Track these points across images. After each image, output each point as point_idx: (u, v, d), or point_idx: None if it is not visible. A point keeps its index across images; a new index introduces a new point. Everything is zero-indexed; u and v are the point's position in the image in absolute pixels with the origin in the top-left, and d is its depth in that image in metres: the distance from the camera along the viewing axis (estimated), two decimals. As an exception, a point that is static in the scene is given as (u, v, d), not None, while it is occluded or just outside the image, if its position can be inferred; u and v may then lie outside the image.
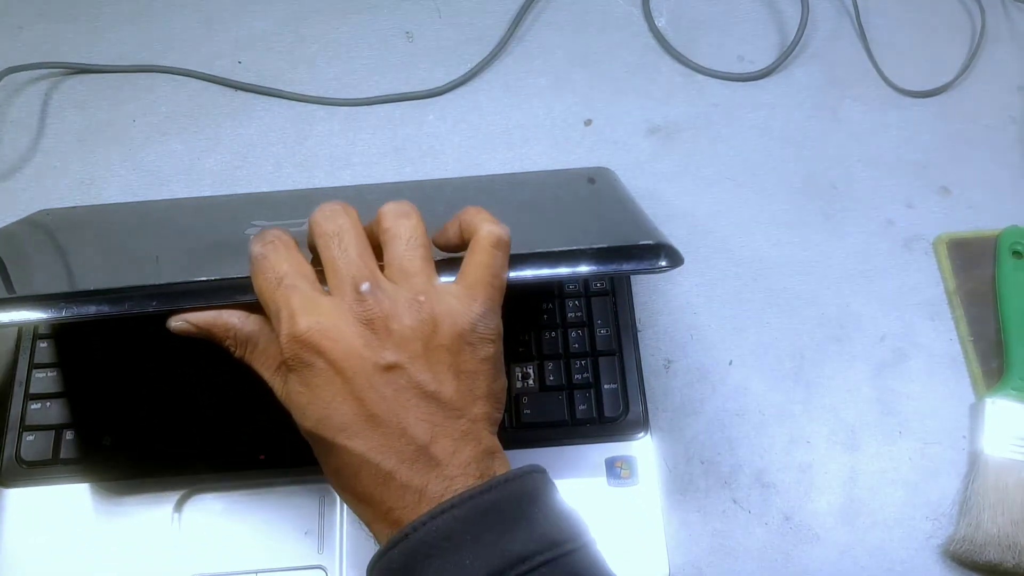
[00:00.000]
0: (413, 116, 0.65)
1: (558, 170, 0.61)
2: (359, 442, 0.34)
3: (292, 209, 0.55)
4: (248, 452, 0.51)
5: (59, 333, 0.54)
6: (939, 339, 0.57)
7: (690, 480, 0.53)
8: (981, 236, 0.59)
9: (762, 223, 0.60)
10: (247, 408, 0.52)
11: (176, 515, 0.51)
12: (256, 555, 0.50)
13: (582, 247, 0.42)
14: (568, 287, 0.55)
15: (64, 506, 0.51)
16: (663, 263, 0.41)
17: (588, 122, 0.64)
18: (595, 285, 0.55)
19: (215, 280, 0.40)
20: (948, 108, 0.65)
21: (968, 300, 0.57)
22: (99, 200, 0.62)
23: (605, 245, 0.42)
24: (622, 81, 0.66)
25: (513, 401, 0.52)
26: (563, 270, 0.41)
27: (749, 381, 0.55)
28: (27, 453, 0.52)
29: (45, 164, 0.63)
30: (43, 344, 0.54)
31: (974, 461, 0.52)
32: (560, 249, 0.41)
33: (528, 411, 0.52)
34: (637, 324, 0.56)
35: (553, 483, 0.36)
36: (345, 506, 0.50)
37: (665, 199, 0.61)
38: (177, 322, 0.40)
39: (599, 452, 0.51)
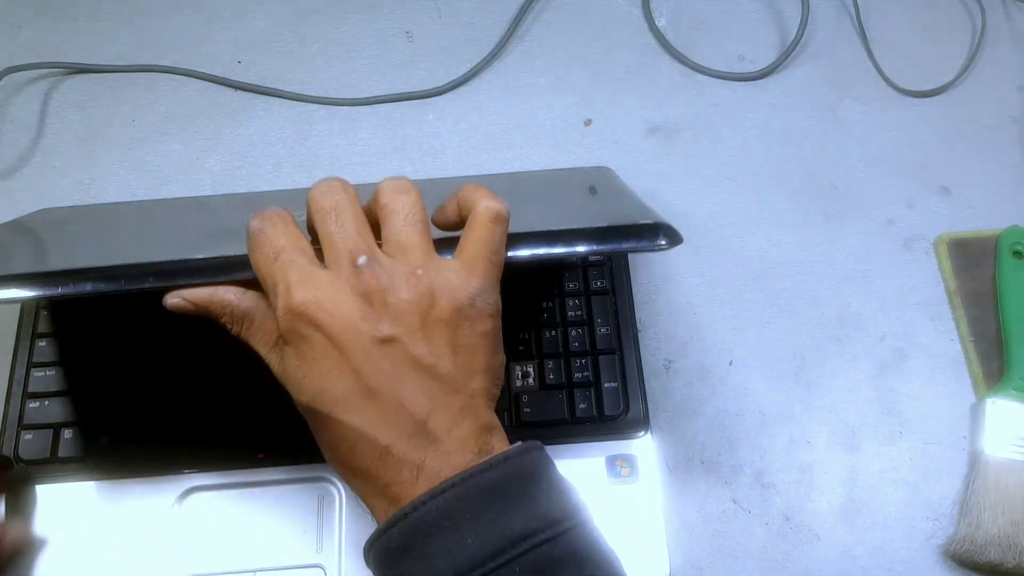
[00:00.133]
0: (413, 116, 0.65)
1: (558, 169, 0.61)
2: (355, 416, 0.34)
3: (292, 208, 0.54)
4: (247, 450, 0.51)
5: (58, 328, 0.54)
6: (939, 339, 0.56)
7: (690, 480, 0.53)
8: (981, 236, 0.59)
9: (762, 223, 0.60)
10: (246, 406, 0.52)
11: (175, 514, 0.50)
12: (255, 554, 0.49)
13: (581, 226, 0.41)
14: (568, 285, 0.55)
15: (62, 504, 0.51)
16: (662, 241, 0.41)
17: (588, 122, 0.64)
18: (595, 284, 0.55)
19: (212, 258, 0.40)
20: (948, 108, 0.65)
21: (968, 300, 0.57)
22: (99, 200, 0.62)
23: (604, 224, 0.42)
24: (622, 81, 0.66)
25: (513, 400, 0.52)
26: (561, 249, 0.41)
27: (749, 381, 0.55)
28: (25, 452, 0.52)
29: (45, 164, 0.63)
30: (42, 343, 0.54)
31: (974, 461, 0.52)
32: (559, 228, 0.41)
33: (528, 410, 0.52)
34: (637, 324, 0.56)
35: (552, 460, 0.36)
36: (345, 506, 0.50)
37: (665, 199, 0.61)
38: (173, 299, 0.39)
39: (599, 450, 0.51)
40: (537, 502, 0.33)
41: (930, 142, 0.63)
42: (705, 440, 0.54)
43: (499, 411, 0.38)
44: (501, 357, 0.38)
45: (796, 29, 0.66)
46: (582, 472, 0.51)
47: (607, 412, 0.52)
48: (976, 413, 0.54)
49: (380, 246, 0.37)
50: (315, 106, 0.65)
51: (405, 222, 0.37)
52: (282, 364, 0.37)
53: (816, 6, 0.68)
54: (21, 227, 0.54)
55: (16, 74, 0.65)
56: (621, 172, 0.60)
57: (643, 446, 0.52)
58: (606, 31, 0.68)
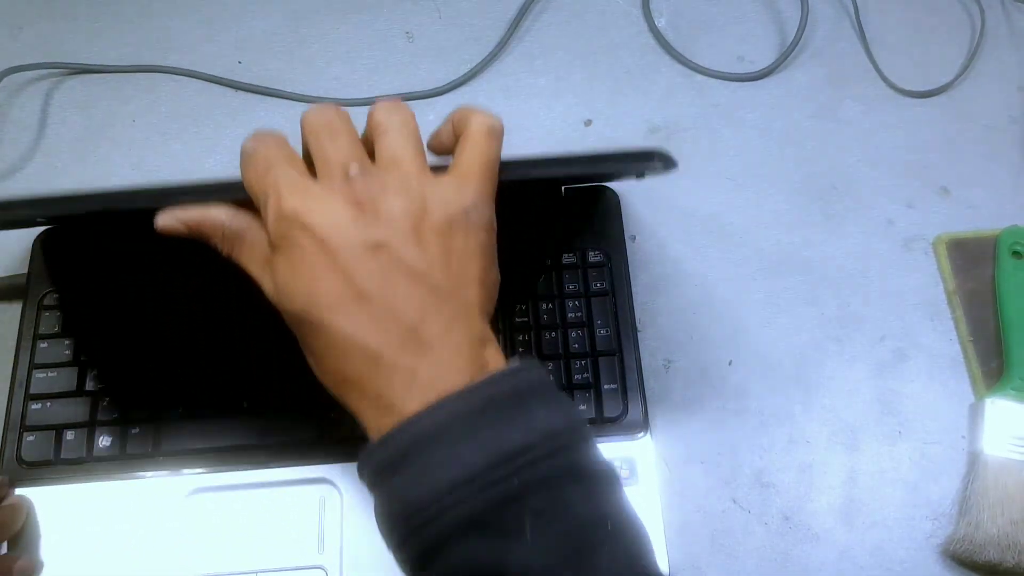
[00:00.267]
0: (413, 116, 0.65)
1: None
2: (346, 320, 0.33)
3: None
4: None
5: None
6: (939, 339, 0.57)
7: (690, 480, 0.53)
8: (981, 236, 0.59)
9: (762, 223, 0.60)
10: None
11: (177, 515, 0.51)
12: (257, 555, 0.50)
13: (577, 152, 0.41)
14: (568, 287, 0.55)
15: (64, 506, 0.51)
16: (657, 163, 0.41)
17: (588, 122, 0.64)
18: (595, 285, 0.55)
19: (205, 182, 0.39)
20: (948, 108, 0.65)
21: (968, 300, 0.57)
22: (99, 200, 0.62)
23: (598, 150, 0.41)
24: (622, 81, 0.66)
25: (513, 401, 0.52)
26: (558, 170, 0.40)
27: (749, 381, 0.55)
28: (28, 454, 0.52)
29: (45, 164, 0.63)
30: (43, 344, 0.54)
31: (974, 461, 0.52)
32: (555, 155, 0.41)
33: (528, 411, 0.52)
34: (637, 324, 0.56)
35: (550, 378, 0.35)
36: (346, 507, 0.50)
37: (665, 199, 0.61)
38: (165, 218, 0.38)
39: (599, 452, 0.51)
40: (536, 417, 0.32)
41: (930, 142, 0.63)
42: (705, 440, 0.54)
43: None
44: (496, 275, 0.37)
45: (796, 29, 0.66)
46: (582, 472, 0.51)
47: (607, 414, 0.52)
48: (975, 413, 0.54)
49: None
50: (315, 106, 0.65)
51: (398, 136, 0.36)
52: (273, 279, 0.36)
53: (816, 6, 0.68)
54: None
55: (17, 74, 0.65)
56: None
57: (642, 447, 0.52)
58: (606, 31, 0.68)
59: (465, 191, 0.36)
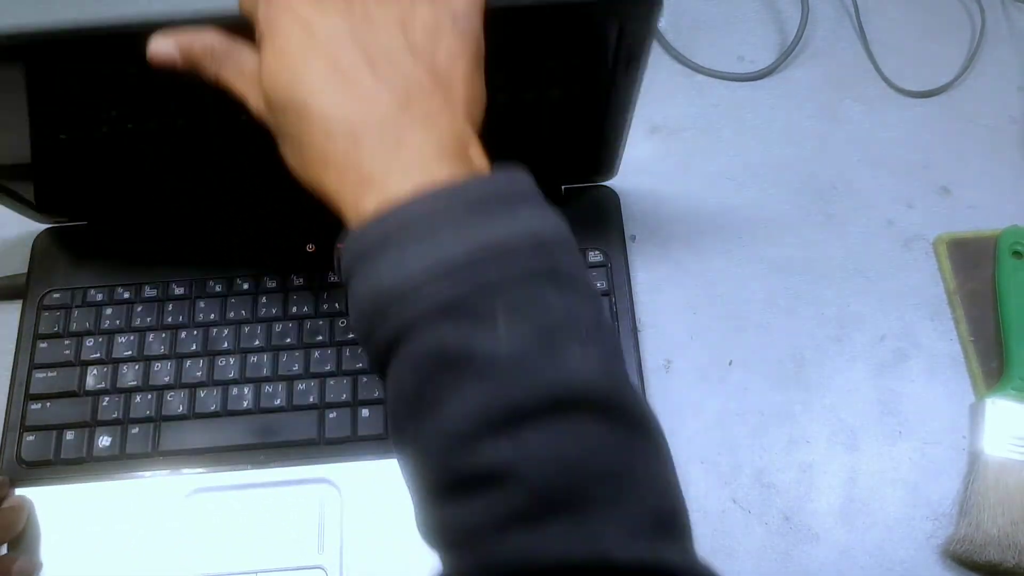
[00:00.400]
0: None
1: None
2: (331, 100, 0.33)
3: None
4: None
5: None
6: (939, 339, 0.57)
7: (690, 480, 0.53)
8: (981, 236, 0.59)
9: (762, 223, 0.60)
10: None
11: (177, 515, 0.51)
12: (257, 555, 0.50)
13: None
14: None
15: (64, 506, 0.51)
16: None
17: (588, 122, 0.64)
18: (595, 285, 0.55)
19: (193, 14, 0.38)
20: (948, 108, 0.65)
21: (968, 300, 0.57)
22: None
23: None
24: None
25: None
26: None
27: (749, 381, 0.55)
28: (28, 454, 0.52)
29: None
30: (43, 345, 0.54)
31: (974, 461, 0.52)
32: None
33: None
34: (637, 324, 0.56)
35: (538, 188, 0.34)
36: (345, 505, 0.50)
37: (665, 199, 0.61)
38: (159, 42, 0.37)
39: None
40: (522, 219, 0.31)
41: (930, 142, 0.63)
42: (704, 440, 0.54)
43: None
44: (482, 89, 0.36)
45: (796, 29, 0.66)
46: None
47: (607, 413, 0.52)
48: (975, 413, 0.54)
49: None
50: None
51: None
52: (260, 69, 0.35)
53: (816, 6, 0.68)
54: None
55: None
56: (621, 172, 0.60)
57: (643, 446, 0.52)
58: (606, 31, 0.68)
59: (453, 0, 0.35)
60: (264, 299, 0.56)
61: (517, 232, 0.31)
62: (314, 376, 0.53)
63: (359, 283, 0.31)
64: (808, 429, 0.54)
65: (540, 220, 0.32)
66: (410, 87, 0.33)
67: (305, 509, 0.51)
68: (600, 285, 0.56)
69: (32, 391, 0.53)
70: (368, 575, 0.49)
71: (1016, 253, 0.57)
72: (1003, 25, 0.68)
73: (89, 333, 0.55)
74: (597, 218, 0.58)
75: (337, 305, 0.55)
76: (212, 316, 0.55)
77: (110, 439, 0.52)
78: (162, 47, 0.37)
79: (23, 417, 0.53)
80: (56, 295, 0.56)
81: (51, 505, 0.51)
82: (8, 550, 0.50)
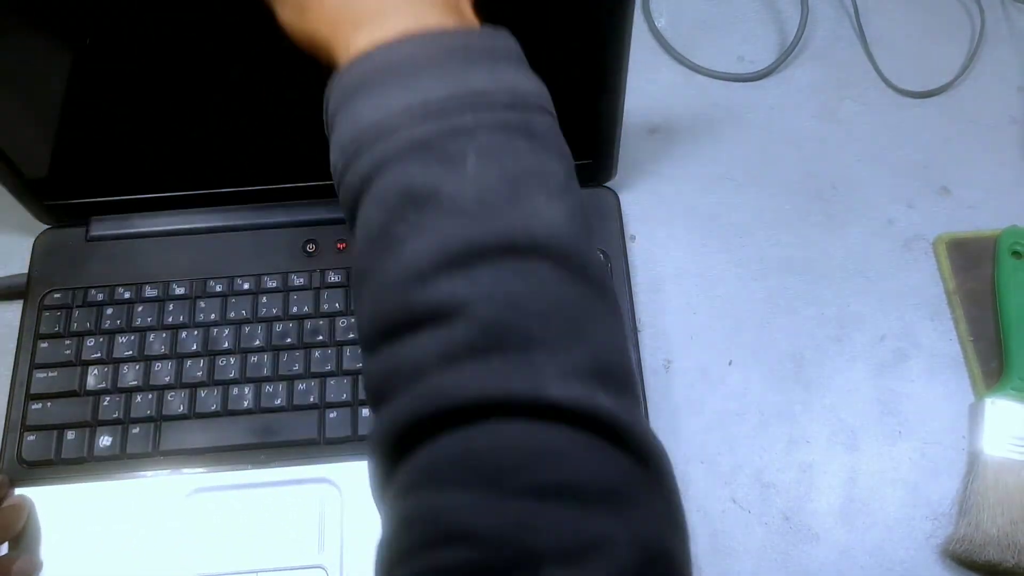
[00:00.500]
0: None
1: None
2: None
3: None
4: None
5: None
6: (939, 339, 0.57)
7: (690, 480, 0.53)
8: (981, 236, 0.59)
9: (762, 223, 0.61)
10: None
11: (176, 515, 0.51)
12: (257, 554, 0.50)
13: None
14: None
15: (65, 506, 0.51)
16: None
17: (588, 122, 0.64)
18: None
19: None
20: (947, 108, 0.65)
21: (968, 300, 0.57)
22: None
23: None
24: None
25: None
26: None
27: (749, 381, 0.55)
28: (28, 453, 0.52)
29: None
30: (43, 344, 0.54)
31: (974, 461, 0.52)
32: None
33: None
34: (637, 324, 0.56)
35: (523, 53, 0.34)
36: (345, 505, 0.51)
37: (665, 199, 0.61)
38: None
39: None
40: (505, 74, 0.31)
41: (930, 142, 0.63)
42: (704, 440, 0.54)
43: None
44: None
45: (796, 30, 0.66)
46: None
47: (607, 413, 0.52)
48: (975, 413, 0.54)
49: None
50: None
51: None
52: None
53: (815, 7, 0.68)
54: None
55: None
56: (621, 172, 0.60)
57: (643, 446, 0.52)
58: (606, 31, 0.68)
59: None
60: (264, 299, 0.56)
61: (496, 85, 0.31)
62: (314, 376, 0.53)
63: (341, 122, 0.32)
64: (808, 429, 0.54)
65: (522, 79, 0.32)
66: None
67: (305, 509, 0.51)
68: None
69: (33, 391, 0.53)
70: (368, 575, 0.49)
71: (1016, 253, 0.57)
72: (1003, 25, 0.68)
73: (90, 333, 0.55)
74: (597, 218, 0.58)
75: (337, 305, 0.55)
76: (212, 316, 0.55)
77: (111, 439, 0.52)
78: None
79: (24, 417, 0.53)
80: (57, 295, 0.56)
81: (52, 505, 0.51)
82: (8, 549, 0.50)
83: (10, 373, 0.54)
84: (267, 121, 0.54)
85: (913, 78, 0.66)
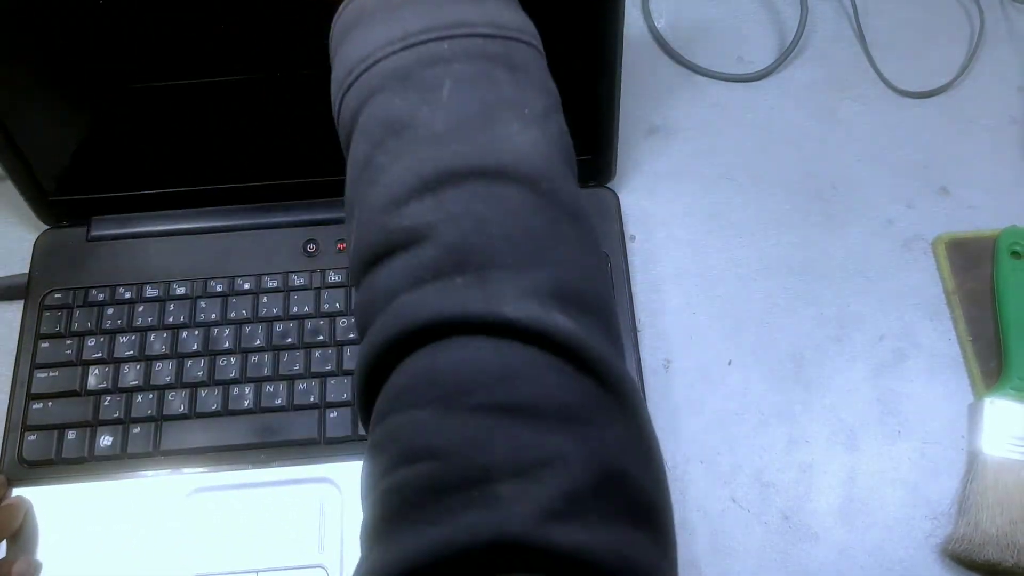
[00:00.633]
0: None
1: None
2: None
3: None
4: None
5: None
6: (938, 339, 0.57)
7: (689, 480, 0.53)
8: (980, 236, 0.59)
9: (762, 223, 0.61)
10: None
11: (176, 515, 0.51)
12: (257, 554, 0.50)
13: None
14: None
15: (65, 506, 0.51)
16: None
17: (588, 122, 0.64)
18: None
19: None
20: (947, 108, 0.65)
21: (967, 300, 0.57)
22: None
23: None
24: (622, 81, 0.66)
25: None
26: None
27: (749, 381, 0.56)
28: (29, 453, 0.52)
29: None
30: (44, 344, 0.55)
31: (973, 461, 0.52)
32: None
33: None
34: (637, 324, 0.56)
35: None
36: (345, 505, 0.51)
37: (665, 199, 0.61)
38: None
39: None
40: (489, 6, 0.32)
41: (929, 142, 0.63)
42: (704, 439, 0.54)
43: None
44: None
45: (795, 30, 0.67)
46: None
47: (607, 413, 0.52)
48: (974, 412, 0.54)
49: None
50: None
51: None
52: None
53: (815, 7, 0.68)
54: None
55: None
56: (621, 172, 0.60)
57: (643, 446, 0.52)
58: (606, 32, 0.68)
59: None
60: (264, 299, 0.56)
61: (478, 16, 0.31)
62: (315, 376, 0.53)
63: (336, 60, 0.32)
64: (808, 429, 0.54)
65: (507, 14, 0.32)
66: None
67: (306, 508, 0.51)
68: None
69: (34, 391, 0.53)
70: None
71: (1015, 253, 0.57)
72: (1002, 25, 0.68)
73: (90, 333, 0.55)
74: (597, 218, 0.58)
75: (338, 305, 0.55)
76: (213, 316, 0.55)
77: (111, 439, 0.52)
78: None
79: (25, 417, 0.53)
80: (57, 295, 0.56)
81: (52, 505, 0.51)
82: (7, 549, 0.50)
83: (11, 373, 0.54)
84: (268, 117, 0.54)
85: (913, 78, 0.66)
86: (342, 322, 0.55)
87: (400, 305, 0.29)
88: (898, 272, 0.59)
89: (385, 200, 0.30)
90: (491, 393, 0.27)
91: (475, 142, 0.29)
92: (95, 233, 0.58)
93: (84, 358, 0.54)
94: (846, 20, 0.69)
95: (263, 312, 0.55)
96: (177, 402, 0.53)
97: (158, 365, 0.54)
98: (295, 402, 0.53)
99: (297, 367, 0.54)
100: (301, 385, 0.53)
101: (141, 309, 0.55)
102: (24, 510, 0.50)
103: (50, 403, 0.53)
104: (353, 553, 0.50)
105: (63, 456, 0.52)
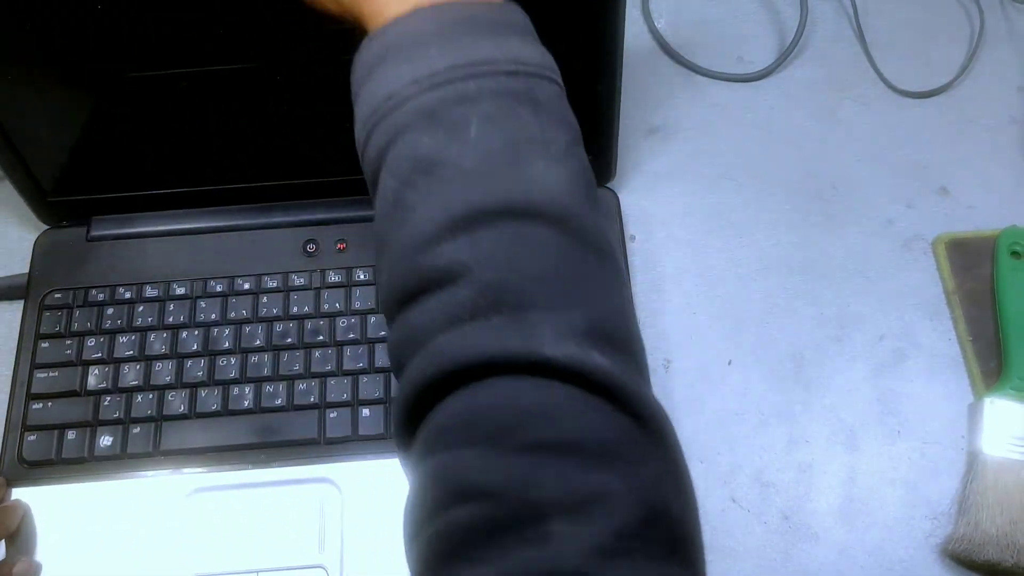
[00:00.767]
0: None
1: None
2: None
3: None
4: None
5: None
6: (938, 339, 0.57)
7: (690, 480, 0.53)
8: (980, 236, 0.59)
9: (762, 223, 0.61)
10: None
11: (176, 515, 0.51)
12: (257, 554, 0.50)
13: None
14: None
15: (65, 506, 0.51)
16: None
17: (588, 122, 0.64)
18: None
19: None
20: (947, 109, 0.65)
21: (967, 300, 0.57)
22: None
23: None
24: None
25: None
26: None
27: (749, 381, 0.56)
28: (29, 453, 0.52)
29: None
30: (44, 344, 0.54)
31: (973, 460, 0.52)
32: None
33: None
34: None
35: (533, 28, 0.35)
36: (345, 505, 0.51)
37: (665, 199, 0.61)
38: None
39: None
40: (510, 44, 0.33)
41: (929, 142, 0.63)
42: (704, 439, 0.54)
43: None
44: None
45: (795, 30, 0.67)
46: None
47: (607, 413, 0.52)
48: (974, 412, 0.54)
49: None
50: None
51: None
52: None
53: (815, 7, 0.68)
54: None
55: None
56: (621, 172, 0.60)
57: (643, 446, 0.52)
58: (606, 32, 0.68)
59: None
60: (264, 299, 0.56)
61: (501, 54, 0.32)
62: (315, 376, 0.53)
63: (361, 97, 0.33)
64: (807, 429, 0.54)
65: (528, 50, 0.33)
66: None
67: (306, 508, 0.51)
68: (600, 285, 0.56)
69: (33, 391, 0.53)
70: (369, 574, 0.49)
71: (1015, 253, 0.57)
72: (1002, 26, 0.68)
73: (90, 333, 0.55)
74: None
75: (337, 305, 0.55)
76: (213, 316, 0.55)
77: (111, 439, 0.52)
78: None
79: (24, 417, 0.53)
80: (57, 295, 0.56)
81: (52, 505, 0.51)
82: (6, 550, 0.50)
83: (11, 373, 0.54)
84: (269, 117, 0.54)
85: (913, 78, 0.66)
86: (342, 322, 0.55)
87: (438, 345, 0.29)
88: (898, 272, 0.59)
89: (417, 239, 0.30)
90: (535, 432, 0.27)
91: (503, 181, 0.30)
92: (95, 233, 0.58)
93: (84, 358, 0.54)
94: (846, 20, 0.69)
95: (263, 312, 0.55)
96: (177, 402, 0.53)
97: (158, 365, 0.54)
98: (295, 402, 0.53)
99: (297, 367, 0.54)
100: (301, 385, 0.53)
101: (141, 309, 0.55)
102: (22, 513, 0.50)
103: (50, 403, 0.53)
104: (353, 553, 0.50)
105: (63, 456, 0.52)
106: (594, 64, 0.51)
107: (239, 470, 0.52)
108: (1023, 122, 0.64)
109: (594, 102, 0.54)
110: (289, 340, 0.54)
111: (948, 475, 0.53)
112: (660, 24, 0.68)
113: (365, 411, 0.53)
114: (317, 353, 0.54)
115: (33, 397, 0.53)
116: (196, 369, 0.54)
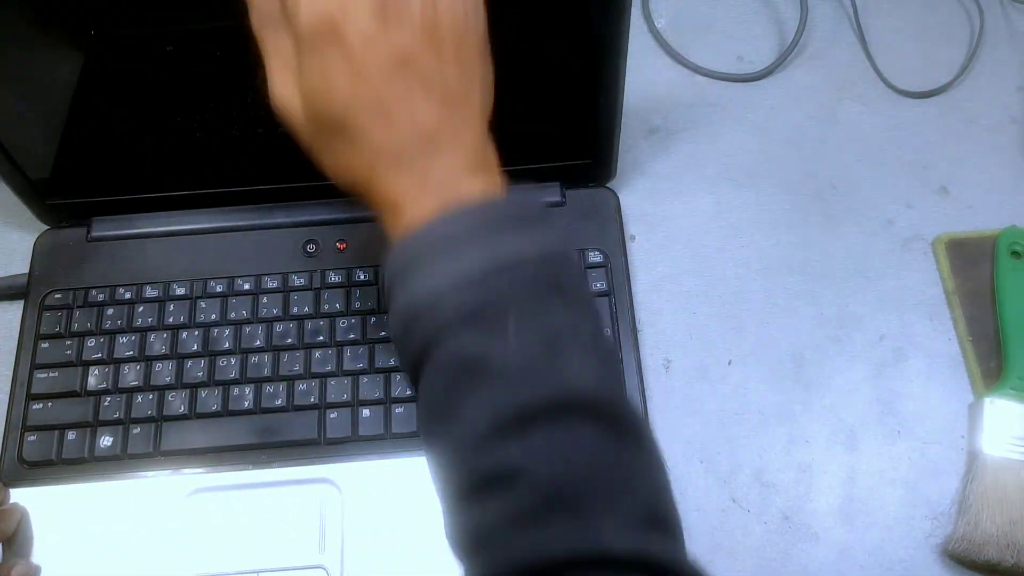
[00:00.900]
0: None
1: None
2: (372, 126, 0.35)
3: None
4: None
5: None
6: (938, 339, 0.57)
7: (689, 479, 0.53)
8: (980, 236, 0.59)
9: (762, 223, 0.61)
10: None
11: (176, 515, 0.51)
12: (257, 555, 0.50)
13: None
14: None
15: (65, 506, 0.51)
16: None
17: (588, 122, 0.64)
18: (595, 286, 0.56)
19: None
20: (947, 109, 0.65)
21: (967, 300, 0.57)
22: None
23: None
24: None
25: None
26: None
27: (749, 381, 0.56)
28: (29, 454, 0.52)
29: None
30: (44, 344, 0.55)
31: (973, 460, 0.52)
32: None
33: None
34: (637, 324, 0.56)
35: (543, 209, 0.37)
36: (345, 505, 0.51)
37: (665, 199, 0.61)
38: None
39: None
40: (535, 238, 0.34)
41: (929, 142, 0.63)
42: (704, 439, 0.54)
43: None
44: (490, 69, 0.38)
45: (795, 30, 0.67)
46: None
47: (607, 413, 0.52)
48: (974, 412, 0.54)
49: None
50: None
51: None
52: (301, 81, 0.37)
53: (815, 7, 0.68)
54: None
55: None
56: (621, 172, 0.60)
57: (643, 446, 0.52)
58: (606, 32, 0.68)
59: None
60: (264, 299, 0.56)
61: (528, 249, 0.34)
62: (315, 376, 0.53)
63: (398, 297, 0.34)
64: (807, 429, 0.54)
65: (549, 239, 0.35)
66: (442, 114, 0.35)
67: (306, 509, 0.51)
68: (600, 285, 0.56)
69: (34, 391, 0.53)
70: (369, 575, 0.49)
71: (1015, 253, 0.57)
72: (1002, 26, 0.68)
73: (90, 333, 0.55)
74: (597, 218, 0.58)
75: (337, 305, 0.55)
76: (213, 316, 0.55)
77: (111, 439, 0.52)
78: None
79: (24, 417, 0.53)
80: (57, 295, 0.56)
81: (52, 505, 0.51)
82: (4, 552, 0.50)
83: (11, 373, 0.54)
84: (269, 121, 0.54)
85: (912, 78, 0.66)
86: (342, 323, 0.55)
87: (506, 546, 0.31)
88: (898, 272, 0.59)
89: (471, 439, 0.32)
90: None
91: (544, 380, 0.32)
92: (95, 234, 0.58)
93: (84, 358, 0.54)
94: (846, 20, 0.69)
95: (263, 312, 0.55)
96: (177, 402, 0.53)
97: (158, 365, 0.54)
98: (295, 402, 0.53)
99: (297, 367, 0.54)
100: (301, 385, 0.53)
101: (141, 309, 0.55)
102: (20, 516, 0.50)
103: (50, 403, 0.53)
104: (353, 553, 0.50)
105: (63, 456, 0.52)
106: (597, 64, 0.51)
107: (239, 470, 0.52)
108: (1023, 122, 0.64)
109: (596, 102, 0.54)
110: (289, 340, 0.54)
111: (948, 475, 0.53)
112: (660, 24, 0.68)
113: (365, 411, 0.53)
114: (317, 353, 0.54)
115: (33, 397, 0.53)
116: (196, 369, 0.54)
